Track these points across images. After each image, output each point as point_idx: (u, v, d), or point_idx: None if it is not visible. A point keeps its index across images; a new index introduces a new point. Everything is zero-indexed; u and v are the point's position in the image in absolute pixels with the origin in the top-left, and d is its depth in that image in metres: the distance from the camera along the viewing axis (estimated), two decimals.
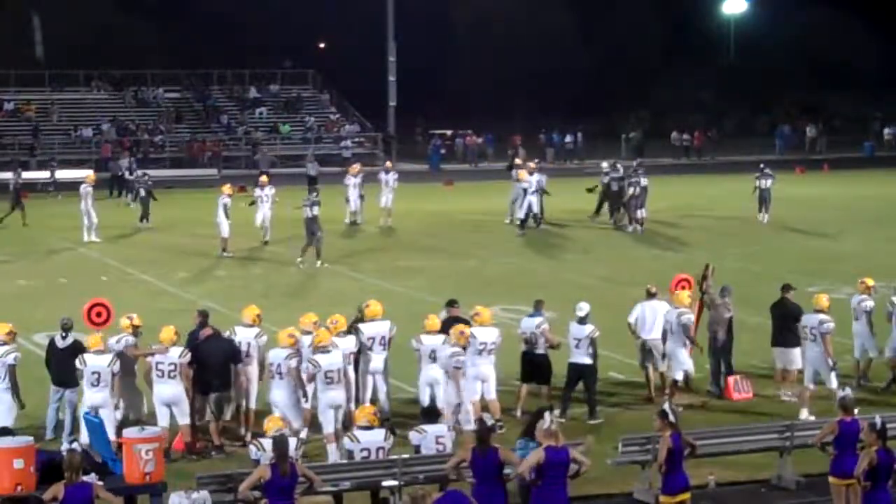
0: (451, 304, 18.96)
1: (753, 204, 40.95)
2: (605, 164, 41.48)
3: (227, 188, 34.77)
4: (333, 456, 15.75)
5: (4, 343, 16.42)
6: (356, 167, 40.01)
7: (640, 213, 38.29)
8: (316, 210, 31.76)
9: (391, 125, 68.39)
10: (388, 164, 40.73)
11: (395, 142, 68.17)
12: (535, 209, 38.18)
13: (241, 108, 70.46)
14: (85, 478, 12.74)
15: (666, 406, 13.47)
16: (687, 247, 34.95)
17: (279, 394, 16.32)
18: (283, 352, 16.35)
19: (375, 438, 13.91)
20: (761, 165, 42.36)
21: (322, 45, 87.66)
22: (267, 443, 13.18)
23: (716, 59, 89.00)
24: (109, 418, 15.76)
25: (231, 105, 70.87)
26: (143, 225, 39.77)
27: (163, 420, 16.25)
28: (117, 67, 70.76)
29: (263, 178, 37.44)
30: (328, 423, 16.13)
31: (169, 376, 16.23)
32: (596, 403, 18.32)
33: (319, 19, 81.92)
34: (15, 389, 16.29)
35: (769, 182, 40.40)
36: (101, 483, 12.82)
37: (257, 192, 36.37)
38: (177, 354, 16.31)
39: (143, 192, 40.85)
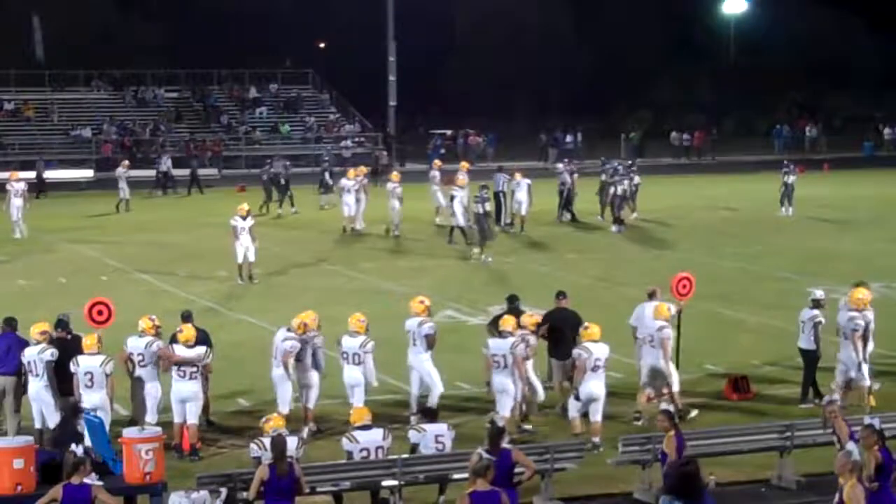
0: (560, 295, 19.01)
1: (775, 202, 41.94)
2: (560, 165, 42.94)
3: (395, 176, 37.63)
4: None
5: (38, 342, 16.37)
6: (352, 171, 39.82)
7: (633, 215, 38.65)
8: (487, 206, 32.89)
9: (391, 125, 68.38)
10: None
11: (395, 142, 68.17)
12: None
13: (241, 108, 70.48)
14: (85, 478, 12.75)
15: (670, 406, 13.50)
16: (686, 247, 34.91)
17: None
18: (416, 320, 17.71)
19: (374, 438, 13.91)
20: (785, 161, 45.03)
21: (322, 45, 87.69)
22: (268, 442, 13.19)
23: (716, 59, 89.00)
24: (107, 420, 15.71)
25: (231, 105, 70.89)
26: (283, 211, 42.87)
27: (178, 417, 16.34)
28: (117, 67, 70.79)
29: (394, 175, 39.02)
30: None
31: (190, 377, 16.33)
32: (807, 390, 18.42)
33: (319, 19, 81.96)
34: (53, 387, 16.19)
35: (794, 178, 42.14)
36: (100, 483, 12.82)
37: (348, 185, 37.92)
38: (200, 355, 16.41)
39: (282, 181, 43.52)
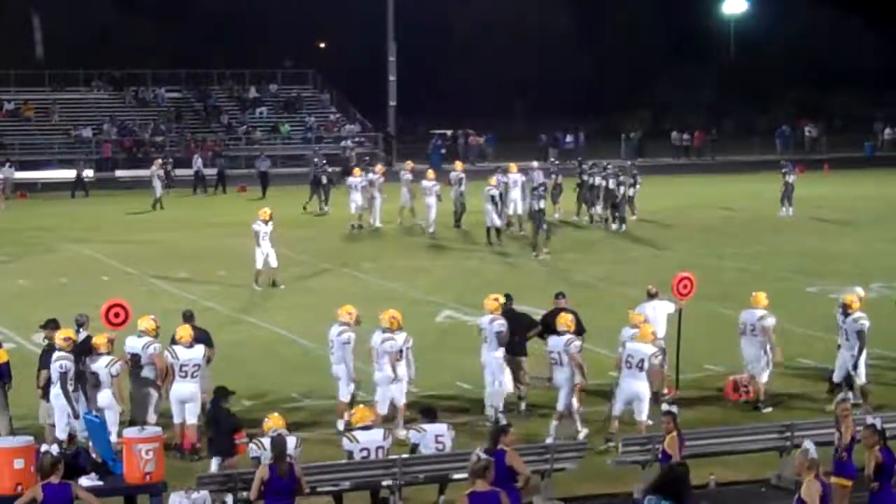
0: (558, 295, 19.22)
1: (775, 202, 41.96)
2: (535, 164, 43.30)
3: (430, 174, 38.39)
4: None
5: (60, 349, 16.07)
6: (357, 170, 40.72)
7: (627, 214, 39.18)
8: (542, 203, 33.64)
9: (391, 125, 68.39)
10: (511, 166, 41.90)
11: (396, 141, 68.16)
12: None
13: (241, 108, 70.47)
14: (85, 478, 12.76)
15: (673, 407, 13.50)
16: (686, 247, 34.90)
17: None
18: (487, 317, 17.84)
19: (374, 438, 13.92)
20: (784, 161, 45.59)
21: (322, 45, 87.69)
22: (267, 441, 13.18)
23: (716, 59, 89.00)
24: (114, 420, 15.69)
25: (231, 105, 70.88)
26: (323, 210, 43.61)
27: (177, 417, 16.39)
28: (117, 67, 70.76)
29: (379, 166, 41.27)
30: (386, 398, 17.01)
31: (192, 376, 16.36)
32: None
33: (319, 19, 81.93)
34: (67, 397, 15.93)
35: (794, 177, 42.24)
36: (100, 483, 12.82)
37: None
38: (200, 354, 16.45)
39: (324, 180, 44.26)
